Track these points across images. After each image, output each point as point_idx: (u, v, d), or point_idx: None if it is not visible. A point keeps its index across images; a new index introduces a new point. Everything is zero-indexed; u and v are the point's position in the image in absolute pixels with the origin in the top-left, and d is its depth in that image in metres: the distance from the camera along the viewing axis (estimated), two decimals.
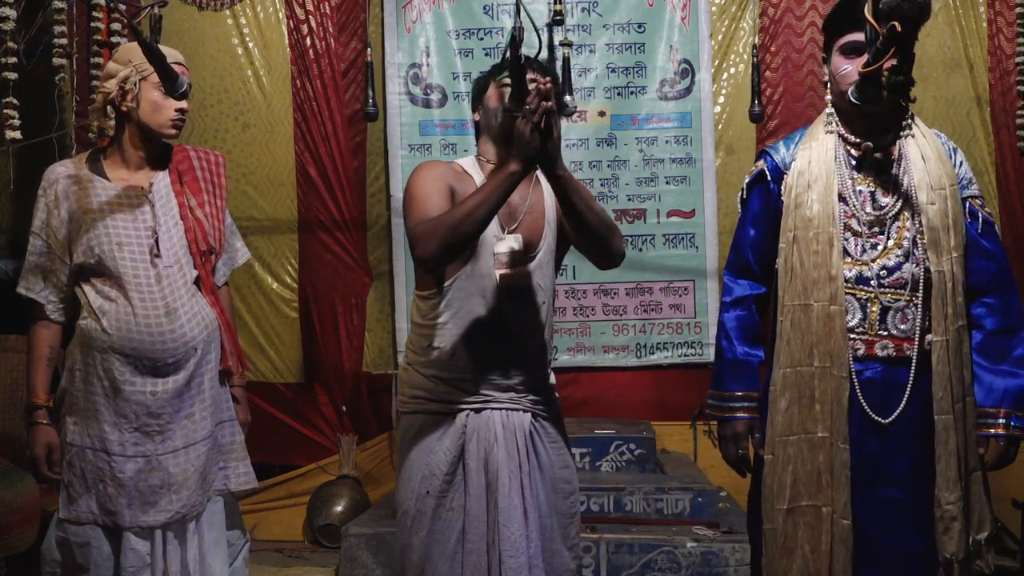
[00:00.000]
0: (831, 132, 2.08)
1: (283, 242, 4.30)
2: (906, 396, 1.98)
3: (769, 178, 2.16)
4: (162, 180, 2.22)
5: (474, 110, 2.09)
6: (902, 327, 2.00)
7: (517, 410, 2.00)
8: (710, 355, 4.24)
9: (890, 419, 1.99)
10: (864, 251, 2.02)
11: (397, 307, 4.28)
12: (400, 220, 4.21)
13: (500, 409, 1.98)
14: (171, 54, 2.15)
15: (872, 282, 2.00)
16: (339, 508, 4.01)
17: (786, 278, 2.06)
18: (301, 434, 4.32)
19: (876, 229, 2.02)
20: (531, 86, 1.73)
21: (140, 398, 2.11)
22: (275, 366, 4.29)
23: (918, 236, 2.00)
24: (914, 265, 1.99)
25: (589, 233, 1.90)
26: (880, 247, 2.01)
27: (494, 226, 1.96)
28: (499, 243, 1.96)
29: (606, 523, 3.40)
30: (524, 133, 1.72)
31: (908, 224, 2.00)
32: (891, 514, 2.00)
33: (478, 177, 1.99)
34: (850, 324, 2.00)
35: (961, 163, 2.07)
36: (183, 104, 2.16)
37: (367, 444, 4.32)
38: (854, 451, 1.99)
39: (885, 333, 2.00)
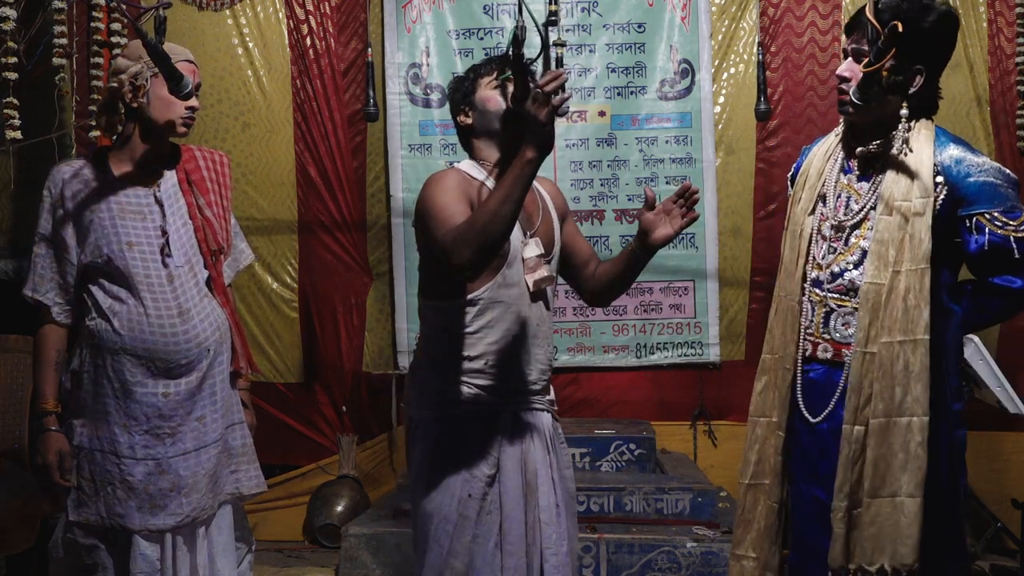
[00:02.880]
0: (838, 134, 2.10)
1: (283, 242, 4.29)
2: (834, 399, 2.00)
3: (791, 174, 2.25)
4: (170, 179, 2.20)
5: (458, 113, 2.05)
6: (844, 332, 2.00)
7: (543, 411, 2.04)
8: (710, 355, 4.28)
9: (817, 419, 2.01)
10: (825, 255, 2.04)
11: (397, 307, 4.27)
12: (399, 220, 4.21)
13: (532, 410, 2.01)
14: (180, 52, 2.13)
15: (823, 285, 2.02)
16: (339, 508, 4.01)
17: (779, 269, 2.15)
18: (301, 434, 4.31)
19: (839, 235, 2.03)
20: (546, 81, 1.69)
21: (152, 400, 2.09)
22: (275, 366, 4.29)
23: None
24: (861, 274, 1.98)
25: (621, 289, 2.11)
26: (836, 252, 2.02)
27: (517, 230, 1.96)
28: (525, 248, 1.97)
29: (606, 523, 3.40)
30: (539, 118, 1.68)
31: (868, 234, 1.98)
32: (814, 513, 2.02)
33: (482, 177, 1.99)
34: (804, 324, 2.05)
35: (967, 176, 1.93)
36: (194, 102, 2.13)
37: (367, 444, 4.32)
38: (795, 444, 2.05)
39: (828, 336, 2.02)
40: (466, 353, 1.95)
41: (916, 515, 1.86)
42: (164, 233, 2.14)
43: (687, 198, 1.96)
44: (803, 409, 2.03)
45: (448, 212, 1.84)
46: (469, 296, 1.94)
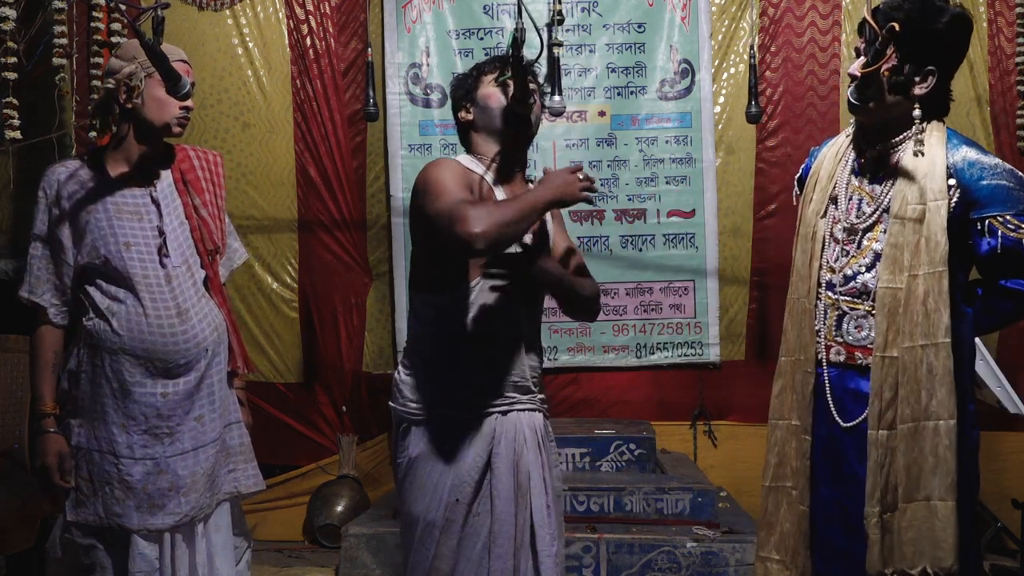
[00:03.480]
0: (849, 135, 2.09)
1: (283, 242, 4.30)
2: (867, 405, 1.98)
3: (799, 175, 2.23)
4: (166, 179, 2.20)
5: (459, 109, 2.08)
6: (857, 335, 1.99)
7: (535, 410, 2.03)
8: (710, 355, 4.29)
9: (851, 424, 1.99)
10: (837, 258, 2.03)
11: (397, 307, 4.27)
12: (399, 220, 4.21)
13: (524, 410, 2.00)
14: (174, 52, 2.13)
15: (836, 288, 2.02)
16: (339, 508, 4.02)
17: (792, 271, 2.14)
18: (301, 434, 4.31)
19: (851, 237, 2.02)
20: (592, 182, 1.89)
21: (150, 400, 2.10)
22: (275, 366, 4.29)
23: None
24: (874, 277, 1.97)
25: (562, 299, 2.06)
26: (849, 255, 2.01)
27: None
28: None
29: (606, 523, 3.40)
30: (574, 184, 1.85)
31: (880, 237, 1.98)
32: (839, 516, 2.01)
33: (480, 171, 2.00)
34: (817, 327, 2.04)
35: (979, 179, 1.92)
36: (188, 102, 2.14)
37: (367, 444, 4.32)
38: (819, 447, 2.04)
39: (840, 340, 2.01)
40: (454, 350, 1.95)
41: (950, 518, 1.85)
42: (161, 233, 2.15)
43: None
44: (834, 412, 2.01)
45: (451, 187, 1.85)
46: (459, 289, 1.94)
